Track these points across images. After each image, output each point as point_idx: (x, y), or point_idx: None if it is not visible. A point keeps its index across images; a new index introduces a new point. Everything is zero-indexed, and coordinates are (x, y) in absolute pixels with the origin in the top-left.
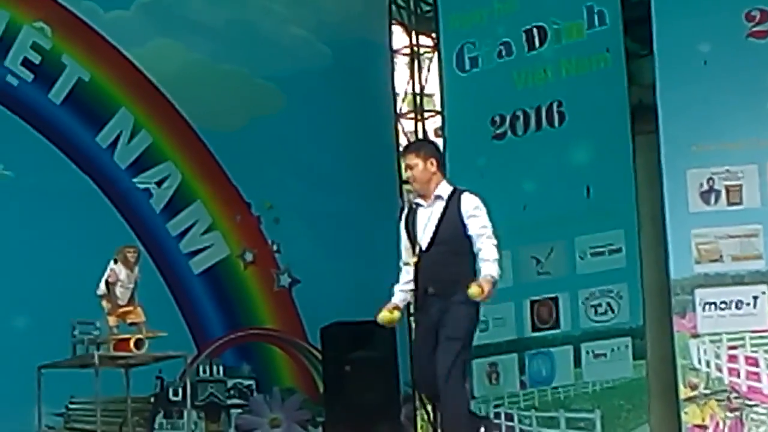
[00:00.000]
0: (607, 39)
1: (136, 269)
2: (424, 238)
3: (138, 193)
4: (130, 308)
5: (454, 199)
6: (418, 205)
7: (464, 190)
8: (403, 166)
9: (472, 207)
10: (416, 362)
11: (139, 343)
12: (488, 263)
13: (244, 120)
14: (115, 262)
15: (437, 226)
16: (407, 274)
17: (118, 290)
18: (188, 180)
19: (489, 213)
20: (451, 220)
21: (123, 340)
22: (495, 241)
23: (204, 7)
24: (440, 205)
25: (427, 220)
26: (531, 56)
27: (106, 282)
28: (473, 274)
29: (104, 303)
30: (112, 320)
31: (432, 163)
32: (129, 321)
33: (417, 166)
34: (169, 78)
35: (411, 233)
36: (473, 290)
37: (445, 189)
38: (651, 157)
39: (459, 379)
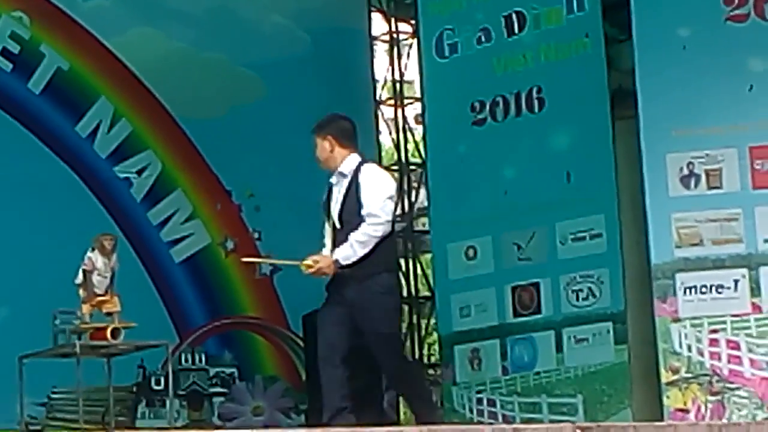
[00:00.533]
0: (586, 24)
1: (114, 257)
2: (335, 217)
3: (118, 182)
4: (107, 297)
5: (355, 176)
6: (331, 183)
7: (365, 163)
8: None
9: (363, 184)
10: (321, 330)
11: (115, 333)
12: (345, 246)
13: (224, 108)
14: (92, 250)
15: (341, 206)
16: (325, 250)
17: (95, 279)
18: (169, 169)
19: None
20: (352, 199)
21: (100, 329)
22: (377, 219)
23: None
24: (345, 182)
25: (337, 199)
26: (510, 42)
27: (83, 270)
28: (392, 254)
29: (81, 292)
30: (85, 308)
31: (329, 141)
32: (105, 310)
33: (317, 147)
34: (149, 67)
35: (327, 212)
36: (302, 265)
37: (348, 165)
38: (631, 142)
39: (414, 366)
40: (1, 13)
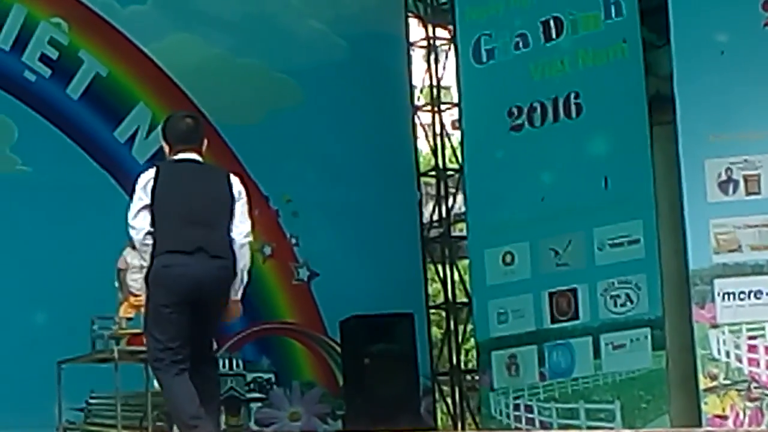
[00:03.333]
0: (623, 29)
1: None
2: None
3: None
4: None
5: None
6: None
7: None
8: None
9: None
10: None
11: None
12: None
13: (261, 114)
14: (126, 248)
15: None
16: None
17: (129, 277)
18: None
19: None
20: None
21: (137, 334)
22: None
23: (221, 0)
24: None
25: None
26: (548, 47)
27: (117, 270)
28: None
29: (119, 294)
30: (122, 311)
31: (164, 143)
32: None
33: None
34: (186, 72)
35: None
36: None
37: None
38: (669, 148)
39: None
40: (40, 19)
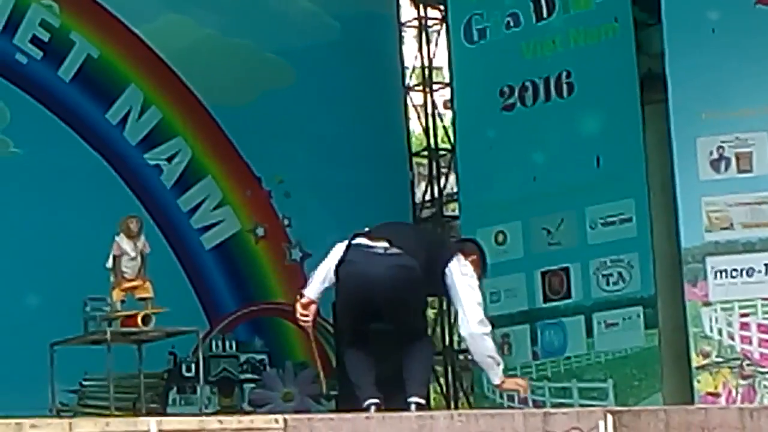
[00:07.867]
0: (615, 8)
1: (141, 239)
2: None
3: (148, 169)
4: (139, 283)
5: None
6: None
7: None
8: None
9: None
10: None
11: (146, 319)
12: None
13: (253, 94)
14: (119, 234)
15: None
16: None
17: (124, 263)
18: (198, 155)
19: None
20: None
21: (130, 316)
22: None
23: None
24: None
25: None
26: (539, 27)
27: (113, 256)
28: None
29: (112, 278)
30: (115, 295)
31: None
32: (138, 296)
33: None
34: (178, 53)
35: None
36: None
37: None
38: (660, 126)
39: None
40: (31, 1)
